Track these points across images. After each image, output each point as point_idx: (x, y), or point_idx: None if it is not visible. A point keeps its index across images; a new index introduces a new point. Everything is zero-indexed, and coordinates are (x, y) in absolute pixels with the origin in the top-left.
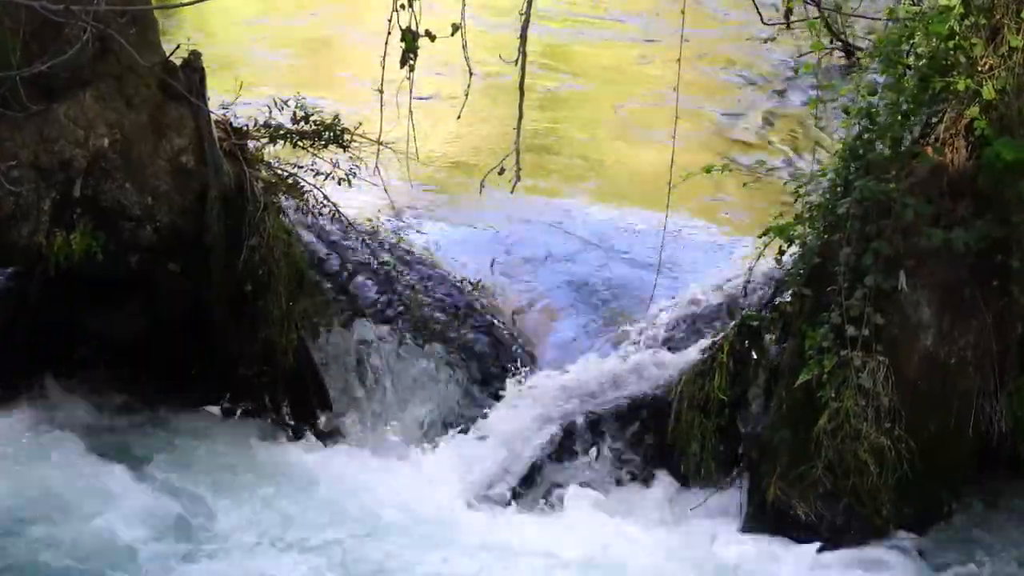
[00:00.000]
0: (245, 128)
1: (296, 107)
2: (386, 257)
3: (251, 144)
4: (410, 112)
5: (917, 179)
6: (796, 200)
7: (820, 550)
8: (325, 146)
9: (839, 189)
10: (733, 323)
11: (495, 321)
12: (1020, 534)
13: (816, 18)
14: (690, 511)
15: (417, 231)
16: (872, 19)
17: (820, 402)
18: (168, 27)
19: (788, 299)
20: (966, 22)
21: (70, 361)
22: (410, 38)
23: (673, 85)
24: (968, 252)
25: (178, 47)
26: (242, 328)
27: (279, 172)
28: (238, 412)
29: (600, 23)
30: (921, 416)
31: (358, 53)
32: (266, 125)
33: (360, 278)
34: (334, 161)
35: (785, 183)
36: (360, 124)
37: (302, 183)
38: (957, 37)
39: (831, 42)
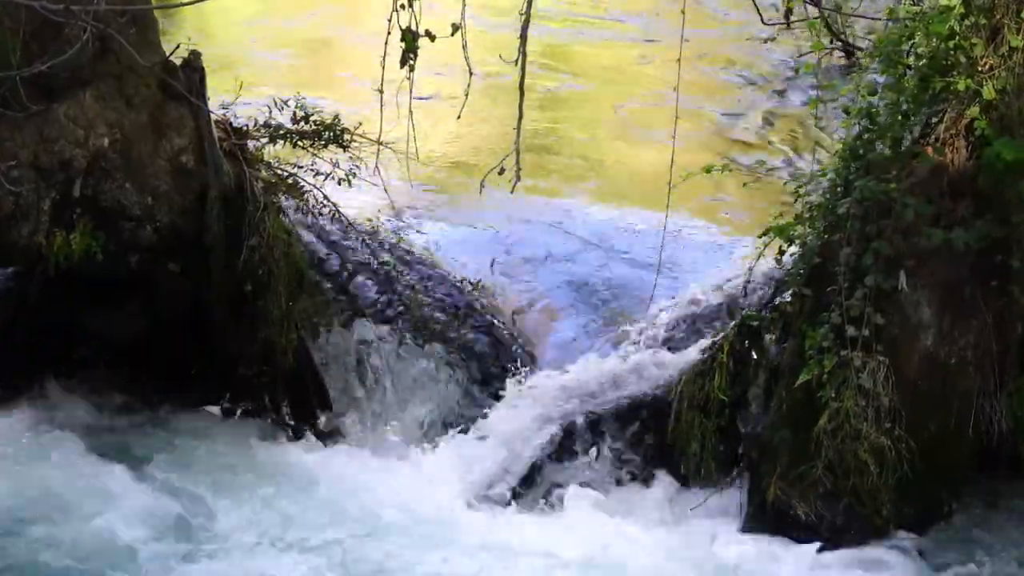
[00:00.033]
0: (245, 128)
1: (296, 107)
2: (386, 257)
3: (251, 144)
4: (410, 112)
5: (917, 179)
6: (796, 200)
7: (820, 550)
8: (325, 146)
9: (839, 189)
10: (733, 323)
11: (495, 321)
12: (1020, 534)
13: (816, 18)
14: (690, 511)
15: (417, 231)
16: (872, 19)
17: (820, 402)
18: (167, 27)
19: (788, 299)
20: (966, 22)
21: (70, 361)
22: (410, 38)
23: (673, 85)
24: (968, 252)
25: (178, 47)
26: (242, 328)
27: (279, 172)
28: (238, 412)
29: (600, 23)
30: (921, 416)
31: (357, 53)
32: (266, 125)
33: (360, 278)
34: (334, 161)
35: (785, 183)
36: (360, 124)
37: (302, 183)
38: (957, 37)
39: (831, 42)
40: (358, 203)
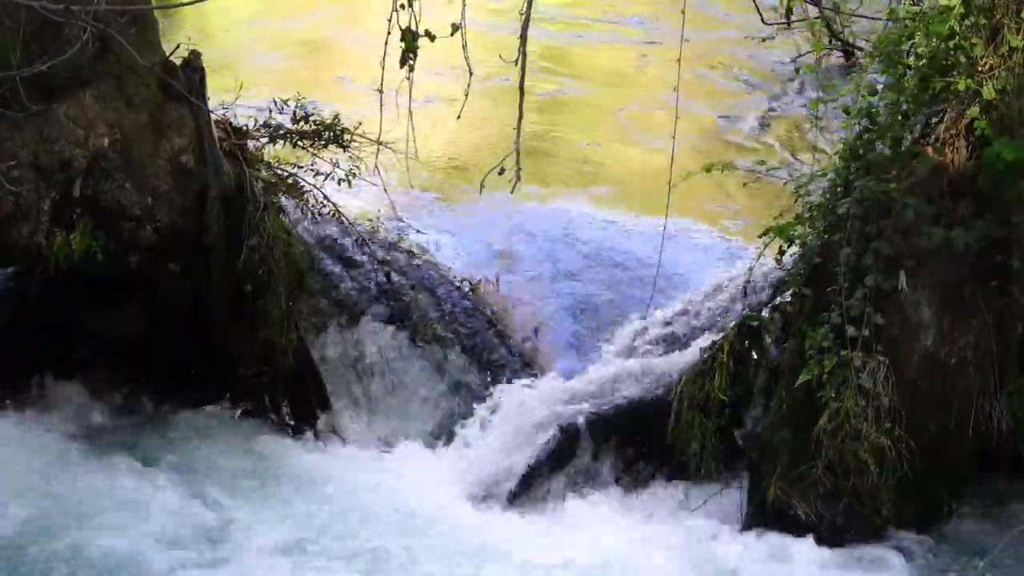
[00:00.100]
0: (245, 128)
1: (296, 107)
2: (386, 257)
3: (251, 144)
4: (409, 112)
5: (917, 179)
6: (796, 200)
7: (820, 550)
8: (325, 146)
9: (839, 189)
10: (733, 323)
11: (495, 321)
12: (1020, 534)
13: (816, 18)
14: (690, 511)
15: (417, 231)
16: (872, 19)
17: (820, 402)
18: (165, 28)
19: (788, 299)
20: (966, 22)
21: (70, 361)
22: (410, 38)
23: (673, 86)
24: (968, 252)
25: (178, 47)
26: (242, 328)
27: (279, 172)
28: (238, 412)
29: (599, 25)
30: (921, 416)
31: (357, 54)
32: (266, 125)
33: (360, 278)
34: (334, 161)
35: (785, 183)
36: (360, 124)
37: (302, 183)
38: (957, 37)
39: (830, 42)
40: (358, 203)
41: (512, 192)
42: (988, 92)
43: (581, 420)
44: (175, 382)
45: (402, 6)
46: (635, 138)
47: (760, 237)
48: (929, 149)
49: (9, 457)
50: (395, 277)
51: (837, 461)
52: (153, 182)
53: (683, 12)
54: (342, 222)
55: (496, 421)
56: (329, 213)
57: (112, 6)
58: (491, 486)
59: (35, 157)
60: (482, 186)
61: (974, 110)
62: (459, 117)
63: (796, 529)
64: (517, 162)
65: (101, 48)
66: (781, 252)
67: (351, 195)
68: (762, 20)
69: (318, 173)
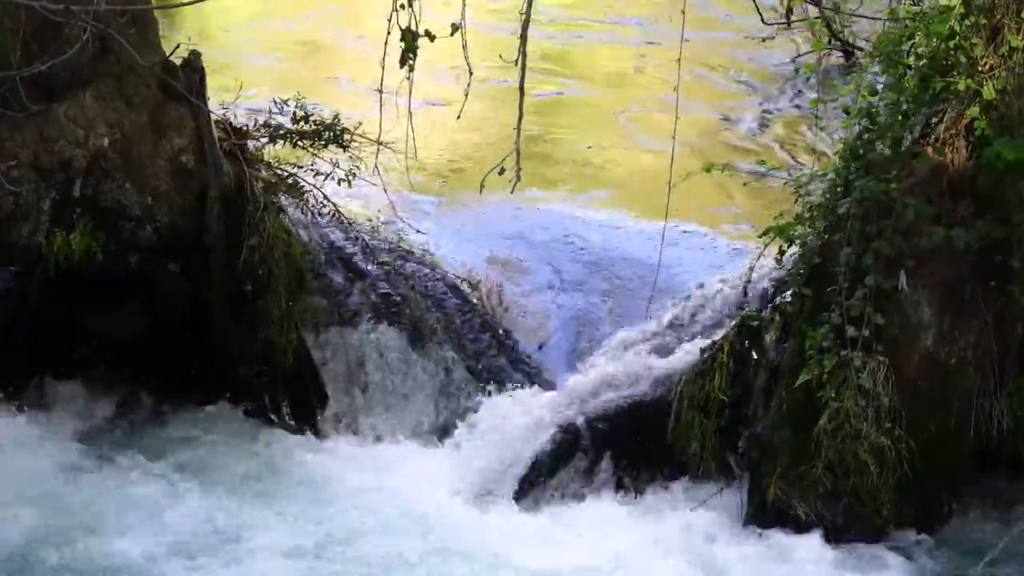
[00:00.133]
0: (245, 128)
1: (296, 107)
2: (386, 257)
3: (251, 144)
4: (409, 112)
5: (917, 179)
6: (796, 200)
7: (820, 550)
8: (325, 146)
9: (839, 189)
10: (733, 323)
11: (495, 321)
12: (1020, 534)
13: (816, 18)
14: (690, 511)
15: (417, 231)
16: (872, 19)
17: (820, 402)
18: (165, 28)
19: (788, 299)
20: (966, 22)
21: (70, 361)
22: (409, 38)
23: (673, 86)
24: (968, 252)
25: (178, 47)
26: (242, 328)
27: (279, 172)
28: (238, 412)
29: (599, 26)
30: (921, 416)
31: (356, 56)
32: (266, 125)
33: (360, 278)
34: (334, 161)
35: (785, 183)
36: (360, 124)
37: (302, 183)
38: (957, 37)
39: (830, 42)
40: (358, 203)
41: (512, 192)
42: (988, 92)
43: (581, 420)
44: (175, 382)
45: (402, 6)
46: (635, 140)
47: (760, 237)
48: (929, 149)
49: (9, 458)
50: (395, 277)
51: (837, 461)
52: (153, 182)
53: (683, 12)
54: (342, 222)
55: (496, 421)
56: (329, 213)
57: (112, 6)
58: (491, 486)
59: (35, 157)
60: (482, 186)
61: (974, 110)
62: (459, 117)
63: (796, 529)
64: (517, 162)
65: (101, 48)
66: (781, 252)
67: (351, 195)
68: (762, 20)
69: (318, 173)
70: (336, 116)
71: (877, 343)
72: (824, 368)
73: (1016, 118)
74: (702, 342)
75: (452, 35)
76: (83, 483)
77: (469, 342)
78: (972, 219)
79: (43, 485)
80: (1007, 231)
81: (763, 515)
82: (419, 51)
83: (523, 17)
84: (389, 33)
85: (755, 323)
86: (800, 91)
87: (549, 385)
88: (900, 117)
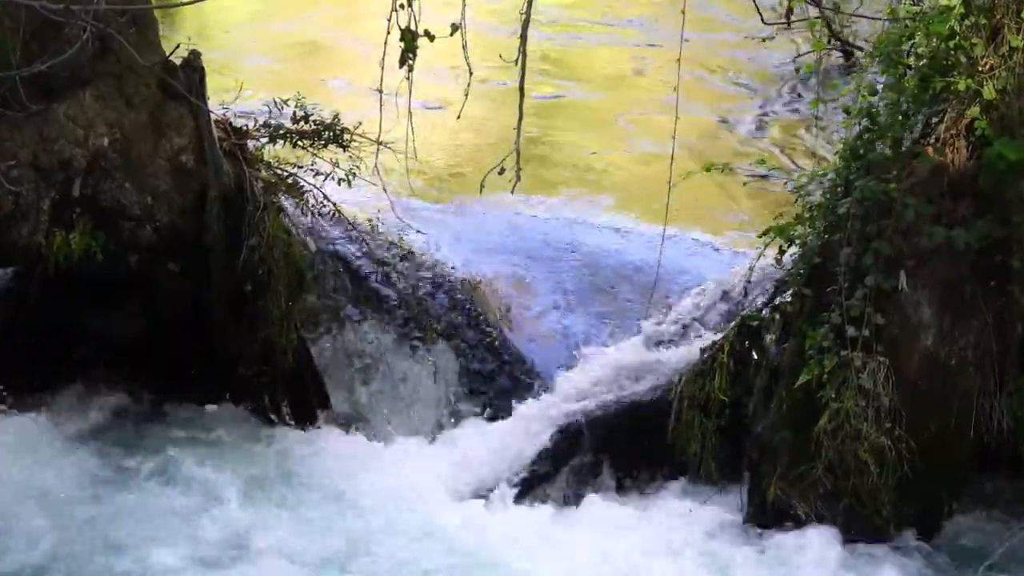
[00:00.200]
0: (245, 128)
1: (296, 107)
2: (386, 257)
3: (251, 144)
4: (409, 112)
5: (918, 179)
6: (796, 200)
7: (820, 550)
8: (325, 146)
9: (839, 189)
10: (733, 323)
11: (495, 321)
12: (1020, 534)
13: (816, 18)
14: (690, 511)
15: (417, 231)
16: (872, 19)
17: (820, 402)
18: (165, 28)
19: (788, 299)
20: (966, 22)
21: (70, 361)
22: (409, 38)
23: (673, 86)
24: (968, 252)
25: (178, 47)
26: (242, 328)
27: (279, 172)
28: (238, 412)
29: (599, 28)
30: (921, 416)
31: (355, 56)
32: (266, 125)
33: (360, 278)
34: (334, 161)
35: (785, 183)
36: (360, 124)
37: (302, 183)
38: (957, 37)
39: (829, 42)
40: (358, 203)
41: (512, 192)
42: (988, 92)
43: (581, 420)
44: (175, 382)
45: (401, 6)
46: (635, 142)
47: (760, 237)
48: (929, 149)
49: (10, 459)
50: (394, 277)
51: (837, 461)
52: (153, 182)
53: (683, 12)
54: (342, 222)
55: (496, 422)
56: (329, 213)
57: (112, 6)
58: (491, 486)
59: (35, 157)
60: (482, 186)
61: (974, 110)
62: (459, 117)
63: (796, 529)
64: (517, 162)
65: (101, 48)
66: (781, 252)
67: (351, 195)
68: (762, 20)
69: (318, 173)
70: (336, 116)
71: (877, 343)
72: (824, 368)
73: (1016, 118)
74: (702, 342)
75: (452, 35)
76: (83, 483)
77: (469, 342)
78: (972, 219)
79: (43, 486)
80: (1007, 231)
81: (763, 515)
82: (418, 52)
83: (523, 17)
84: (389, 33)
85: (755, 323)
86: (800, 94)
87: (549, 385)
88: (900, 117)
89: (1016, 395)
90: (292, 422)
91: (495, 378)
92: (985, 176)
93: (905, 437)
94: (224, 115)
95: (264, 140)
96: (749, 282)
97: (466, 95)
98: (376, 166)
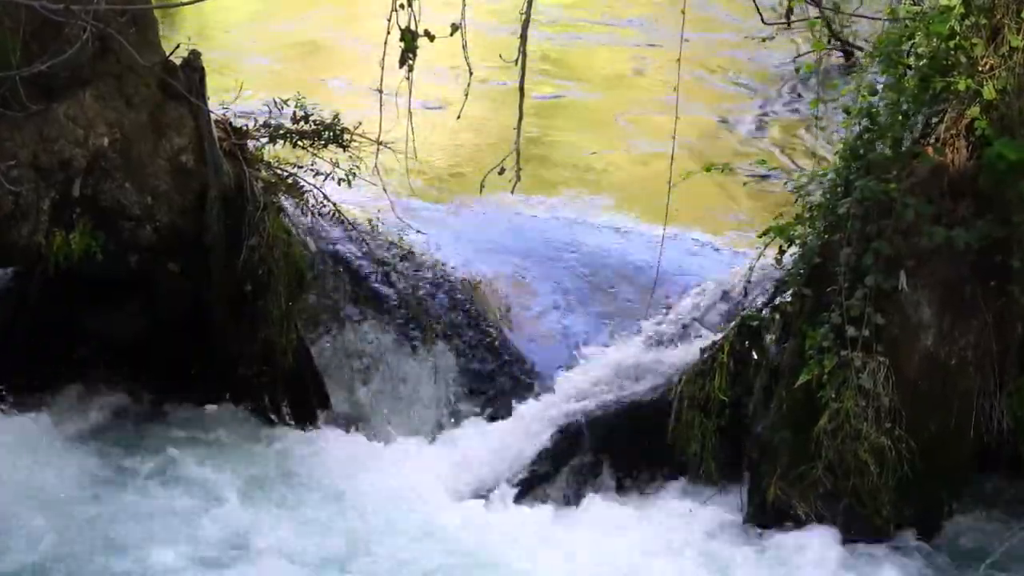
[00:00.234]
0: (245, 128)
1: (296, 107)
2: (386, 257)
3: (251, 144)
4: (409, 112)
5: (918, 179)
6: (796, 200)
7: (820, 550)
8: (325, 146)
9: (839, 189)
10: (733, 323)
11: (495, 321)
12: (1020, 534)
13: (816, 18)
14: (690, 511)
15: (417, 231)
16: (872, 19)
17: (820, 402)
18: (165, 28)
19: (788, 299)
20: (967, 22)
21: (70, 361)
22: (409, 38)
23: (674, 85)
24: (968, 252)
25: (178, 47)
26: (242, 328)
27: (279, 172)
28: (238, 412)
29: (599, 28)
30: (921, 416)
31: (355, 56)
32: (266, 125)
33: (360, 278)
34: (334, 161)
35: (785, 183)
36: (360, 124)
37: (302, 183)
38: (958, 37)
39: (829, 42)
40: (358, 203)
41: (512, 192)
42: (988, 92)
43: (581, 420)
44: (175, 382)
45: (401, 6)
46: (635, 143)
47: (760, 237)
48: (929, 149)
49: (10, 459)
50: (394, 277)
51: (837, 461)
52: (153, 182)
53: (683, 12)
54: (342, 222)
55: (496, 422)
56: (329, 213)
57: (112, 6)
58: (491, 487)
59: (35, 157)
60: (482, 186)
61: (974, 110)
62: (459, 117)
63: (796, 529)
64: (517, 162)
65: (101, 48)
66: (781, 252)
67: (351, 195)
68: (762, 20)
69: (318, 173)
70: (336, 116)
71: (877, 343)
72: (824, 368)
73: (1016, 118)
74: (702, 342)
75: (452, 35)
76: (83, 483)
77: (469, 342)
78: (972, 219)
79: (43, 485)
80: (1007, 231)
81: (763, 515)
82: (418, 52)
83: (523, 17)
84: (389, 33)
85: (755, 323)
86: (800, 95)
87: (549, 385)
88: (900, 117)
89: (1016, 395)
90: (292, 422)
91: (495, 378)
92: (985, 176)
93: (905, 437)
94: (224, 115)
95: (264, 140)
96: (749, 282)
97: (466, 95)
98: (376, 166)
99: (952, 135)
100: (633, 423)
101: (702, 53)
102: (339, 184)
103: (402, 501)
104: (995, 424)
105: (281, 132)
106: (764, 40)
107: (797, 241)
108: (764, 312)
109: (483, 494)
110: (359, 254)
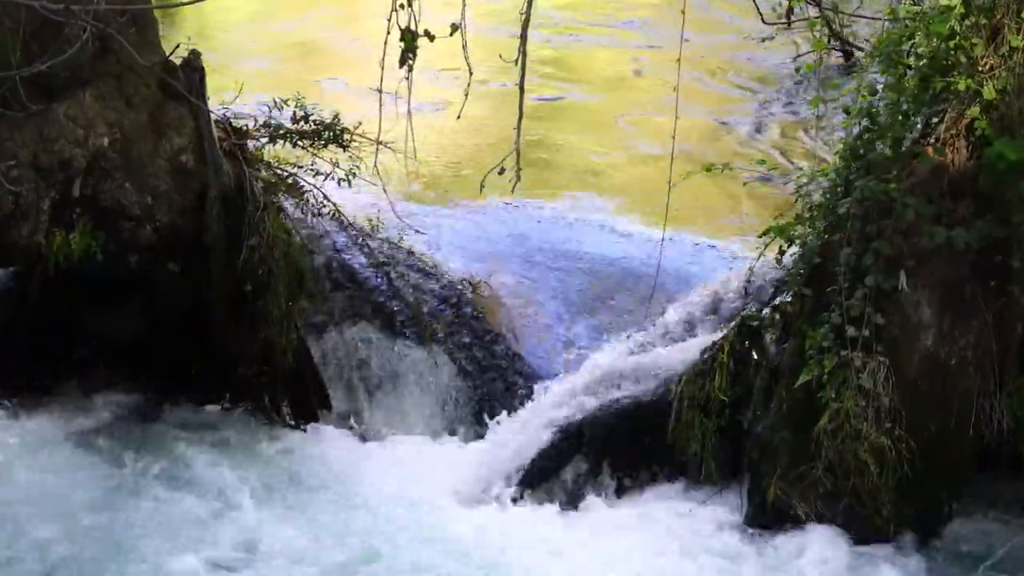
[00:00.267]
0: (245, 128)
1: (296, 107)
2: (386, 257)
3: (251, 144)
4: (408, 112)
5: (918, 179)
6: (796, 200)
7: (820, 550)
8: (325, 146)
9: (840, 189)
10: (733, 323)
11: (495, 322)
12: (1020, 534)
13: (817, 18)
14: (690, 511)
15: (417, 231)
16: (872, 19)
17: (820, 402)
18: (165, 28)
19: (788, 299)
20: (967, 22)
21: (70, 361)
22: (409, 38)
23: (674, 86)
24: (968, 252)
25: (178, 47)
26: (242, 328)
27: (279, 172)
28: (238, 412)
29: (599, 29)
30: (921, 416)
31: (354, 57)
32: (266, 125)
33: (360, 278)
34: (334, 161)
35: (785, 183)
36: (360, 124)
37: (302, 183)
38: (958, 37)
39: (828, 42)
40: (358, 203)
41: (512, 192)
42: (988, 92)
43: (581, 420)
44: (175, 382)
45: (401, 6)
46: (635, 144)
47: (760, 237)
48: (929, 149)
49: (10, 459)
50: (394, 277)
51: (837, 461)
52: (153, 182)
53: (683, 12)
54: (342, 222)
55: (496, 422)
56: (329, 213)
57: (112, 6)
58: (491, 487)
59: (35, 157)
60: (482, 186)
61: (974, 110)
62: (459, 118)
63: (796, 529)
64: (517, 162)
65: (101, 48)
66: (781, 252)
67: (351, 195)
68: (762, 20)
69: (318, 173)
70: (336, 116)
71: (877, 343)
72: (824, 368)
73: (1016, 118)
74: (702, 342)
75: (451, 35)
76: (82, 483)
77: (469, 342)
78: (972, 219)
79: (44, 485)
80: (1007, 231)
81: (763, 515)
82: (418, 54)
83: (522, 17)
84: (389, 33)
85: (755, 323)
86: (800, 95)
87: (549, 384)
88: (900, 117)
89: (1016, 395)
90: (292, 422)
91: (495, 378)
92: (985, 176)
93: (905, 437)
94: (224, 115)
95: (264, 140)
96: (749, 282)
97: (466, 94)
98: (376, 166)
99: (952, 135)
100: (633, 423)
101: (702, 54)
102: (339, 184)
103: (401, 501)
104: (995, 424)
105: (281, 132)
106: (764, 40)
107: (797, 241)
108: (764, 312)
109: (483, 494)
110: (359, 254)
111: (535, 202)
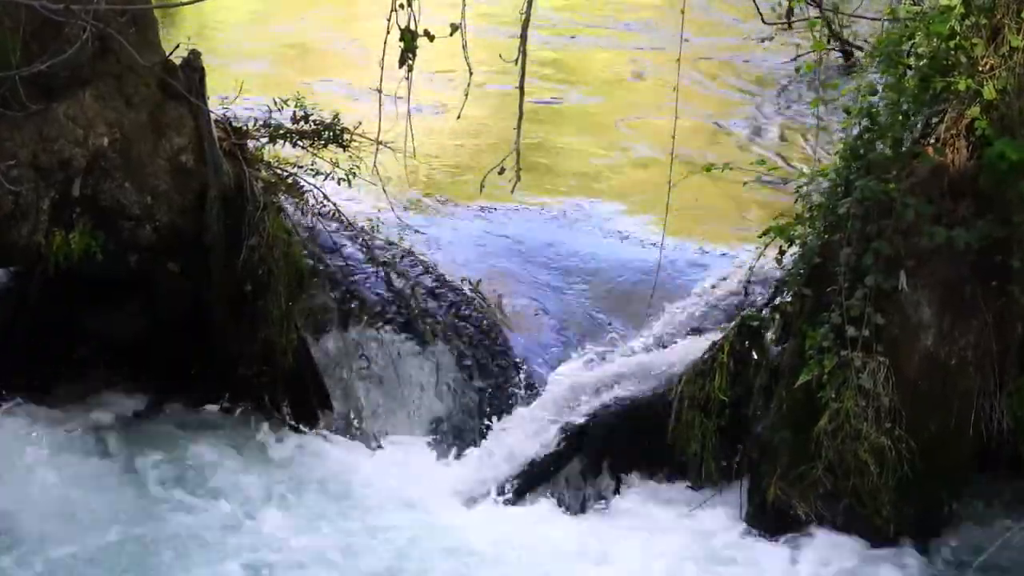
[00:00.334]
0: (245, 128)
1: (296, 107)
2: (386, 257)
3: (251, 144)
4: (408, 112)
5: (918, 179)
6: (797, 200)
7: (820, 551)
8: (325, 146)
9: (840, 189)
10: (733, 323)
11: (495, 322)
12: (1020, 534)
13: (817, 18)
14: (690, 511)
15: (417, 231)
16: (872, 19)
17: (820, 402)
18: (165, 28)
19: (788, 299)
20: (967, 22)
21: (70, 361)
22: (408, 38)
23: (674, 86)
24: (969, 252)
25: (178, 47)
26: (242, 328)
27: (279, 172)
28: (238, 412)
29: (599, 31)
30: (921, 416)
31: (353, 58)
32: (266, 125)
33: (360, 278)
34: (334, 161)
35: (786, 183)
36: (360, 123)
37: (302, 183)
38: (958, 37)
39: (828, 42)
40: (358, 203)
41: (512, 192)
42: (989, 92)
43: (581, 419)
44: (175, 382)
45: (401, 6)
46: (634, 146)
47: (760, 237)
48: (930, 149)
49: (10, 459)
50: (394, 277)
51: (837, 461)
52: (153, 182)
53: (682, 12)
54: (342, 222)
55: (496, 422)
56: (329, 213)
57: (112, 6)
58: (491, 487)
59: (34, 156)
60: (482, 186)
61: (975, 110)
62: (459, 118)
63: (796, 529)
64: (517, 162)
65: (101, 48)
66: (781, 252)
67: (351, 195)
68: (762, 20)
69: (318, 173)
70: (336, 116)
71: (877, 343)
72: (824, 368)
73: (1017, 118)
74: (702, 342)
75: (451, 35)
76: (82, 483)
77: (469, 342)
78: (973, 219)
79: (44, 485)
80: (1008, 231)
81: (763, 515)
82: (418, 55)
83: (522, 17)
84: (388, 33)
85: (755, 323)
86: (800, 96)
87: (549, 384)
88: (900, 117)
89: (1016, 395)
90: (292, 422)
91: (495, 378)
92: (985, 176)
93: (905, 437)
94: (224, 115)
95: (264, 140)
96: (749, 282)
97: (466, 95)
98: (375, 166)
99: (952, 135)
100: (633, 423)
101: (702, 55)
102: (339, 184)
103: (401, 501)
104: (995, 424)
105: (281, 132)
106: (763, 41)
107: (797, 241)
108: (764, 312)
109: (483, 494)
110: (359, 254)
111: (535, 204)
